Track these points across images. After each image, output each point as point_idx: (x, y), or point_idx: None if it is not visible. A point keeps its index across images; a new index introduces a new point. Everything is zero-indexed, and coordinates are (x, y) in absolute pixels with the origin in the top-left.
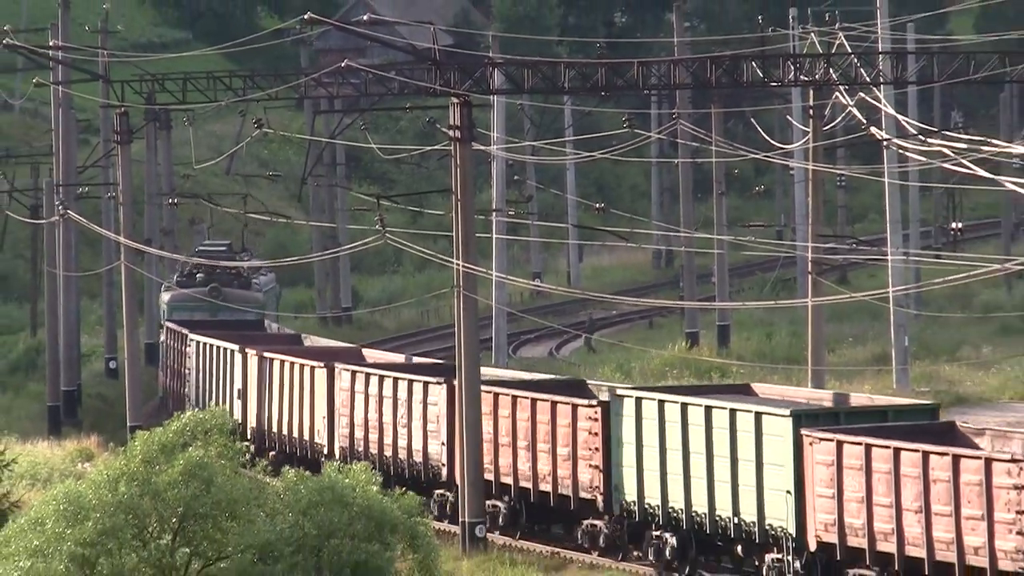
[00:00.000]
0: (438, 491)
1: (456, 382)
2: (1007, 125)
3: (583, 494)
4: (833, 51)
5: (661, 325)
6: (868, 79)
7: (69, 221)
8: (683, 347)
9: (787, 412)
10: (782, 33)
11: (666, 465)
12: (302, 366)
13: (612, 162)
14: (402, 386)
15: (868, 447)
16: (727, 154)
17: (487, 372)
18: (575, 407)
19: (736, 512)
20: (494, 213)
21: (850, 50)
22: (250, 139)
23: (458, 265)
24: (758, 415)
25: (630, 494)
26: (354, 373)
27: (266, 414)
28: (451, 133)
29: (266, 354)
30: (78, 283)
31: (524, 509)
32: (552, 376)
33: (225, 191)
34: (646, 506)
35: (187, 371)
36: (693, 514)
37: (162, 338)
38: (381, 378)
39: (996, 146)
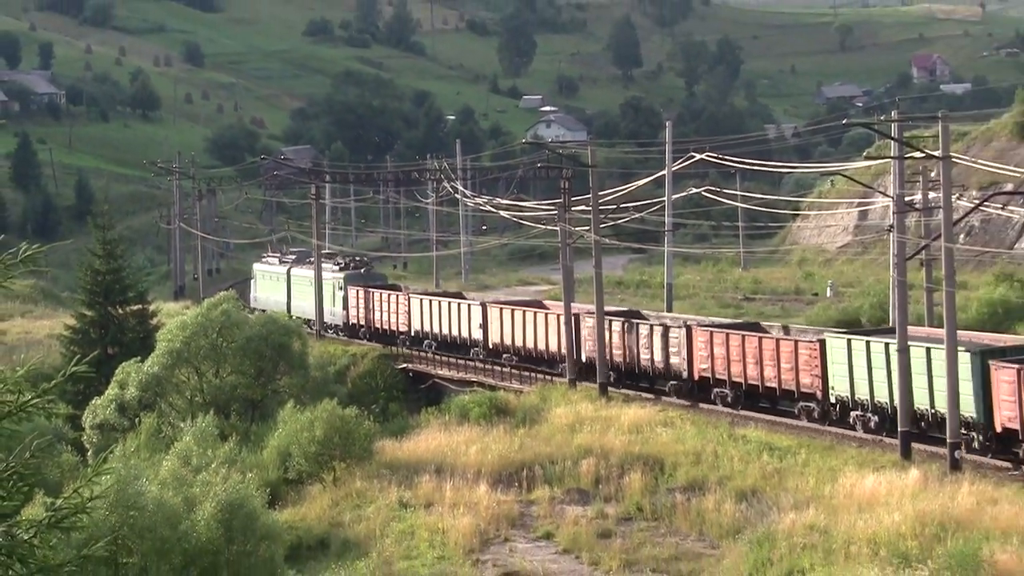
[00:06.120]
0: (672, 382)
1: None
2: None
3: (804, 389)
4: (442, 168)
5: (391, 264)
6: (454, 180)
7: (181, 227)
8: (400, 270)
9: (976, 351)
10: (423, 162)
11: (872, 376)
12: (546, 315)
13: (367, 207)
14: (643, 327)
15: None
16: (407, 204)
17: (712, 319)
18: (797, 343)
19: (932, 406)
20: (327, 224)
21: (448, 168)
22: (243, 198)
23: (315, 242)
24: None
25: (843, 391)
26: (597, 320)
27: (508, 337)
28: (312, 197)
29: (505, 308)
30: (183, 248)
31: (744, 395)
32: (743, 320)
33: (236, 217)
34: (856, 399)
35: (399, 313)
36: (896, 406)
37: (347, 292)
38: (623, 323)
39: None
